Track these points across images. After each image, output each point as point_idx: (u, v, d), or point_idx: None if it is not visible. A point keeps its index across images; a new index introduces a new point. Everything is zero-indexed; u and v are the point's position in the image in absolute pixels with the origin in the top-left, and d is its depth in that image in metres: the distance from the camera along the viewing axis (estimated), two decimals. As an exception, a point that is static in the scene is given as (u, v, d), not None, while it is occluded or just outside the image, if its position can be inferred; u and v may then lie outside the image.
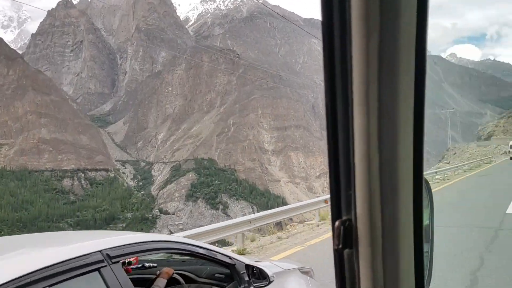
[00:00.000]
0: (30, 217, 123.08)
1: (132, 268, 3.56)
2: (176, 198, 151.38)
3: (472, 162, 51.68)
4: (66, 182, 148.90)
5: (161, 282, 3.37)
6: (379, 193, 0.76)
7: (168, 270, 3.51)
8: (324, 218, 15.88)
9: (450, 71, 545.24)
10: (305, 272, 4.62)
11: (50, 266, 1.94)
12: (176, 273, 3.75)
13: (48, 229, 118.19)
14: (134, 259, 3.49)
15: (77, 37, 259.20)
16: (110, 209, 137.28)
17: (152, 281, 3.44)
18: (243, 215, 12.43)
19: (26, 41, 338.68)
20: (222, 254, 3.53)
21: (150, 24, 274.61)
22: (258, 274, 3.67)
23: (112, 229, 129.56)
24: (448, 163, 66.89)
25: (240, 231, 11.07)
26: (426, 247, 1.25)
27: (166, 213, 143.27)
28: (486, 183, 27.78)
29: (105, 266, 2.32)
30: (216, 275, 3.97)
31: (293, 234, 13.93)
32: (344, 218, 0.80)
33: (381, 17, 0.69)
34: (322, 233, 13.47)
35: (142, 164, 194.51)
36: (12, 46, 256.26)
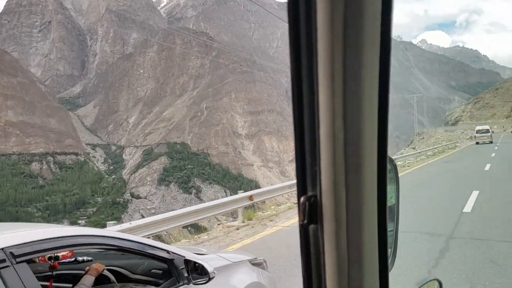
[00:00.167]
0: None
1: (63, 263, 3.31)
2: (148, 183, 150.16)
3: (436, 148, 50.27)
4: (35, 166, 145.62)
5: (87, 280, 3.09)
6: (344, 170, 0.76)
7: (98, 266, 3.23)
8: (250, 218, 12.91)
9: (420, 57, 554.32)
10: (257, 263, 4.40)
11: None
12: (107, 269, 3.45)
13: (16, 214, 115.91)
14: (70, 253, 3.24)
15: (45, 17, 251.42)
16: (80, 194, 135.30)
17: (79, 278, 3.17)
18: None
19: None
20: (159, 248, 3.30)
21: (121, 4, 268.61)
22: (200, 270, 3.37)
23: (82, 214, 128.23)
24: (414, 148, 67.24)
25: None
26: (391, 226, 1.30)
27: (138, 197, 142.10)
28: (446, 170, 26.04)
29: (7, 266, 2.10)
30: (153, 271, 3.70)
31: (200, 243, 10.92)
32: (309, 194, 0.80)
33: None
34: (239, 240, 10.49)
35: (113, 148, 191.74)
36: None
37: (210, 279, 3.35)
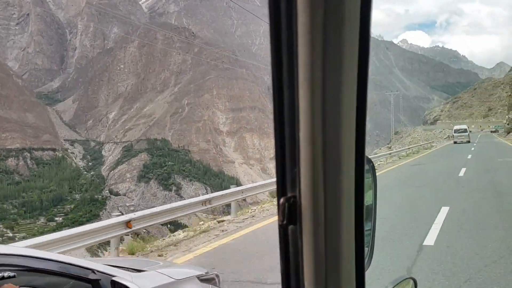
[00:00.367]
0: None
1: None
2: (128, 179, 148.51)
3: (411, 148, 47.47)
4: (11, 162, 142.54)
5: None
6: (323, 172, 0.77)
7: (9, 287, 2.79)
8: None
9: (401, 57, 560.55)
10: (207, 279, 3.85)
11: None
12: None
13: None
14: None
15: (23, 9, 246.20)
16: (57, 190, 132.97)
17: None
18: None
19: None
20: (84, 267, 2.94)
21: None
22: None
23: (59, 211, 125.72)
24: (390, 148, 65.86)
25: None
26: (369, 226, 1.33)
27: (117, 194, 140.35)
28: (415, 175, 22.40)
29: None
30: None
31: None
32: (289, 195, 0.81)
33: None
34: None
35: (92, 144, 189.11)
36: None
37: None
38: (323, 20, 0.70)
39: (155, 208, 10.02)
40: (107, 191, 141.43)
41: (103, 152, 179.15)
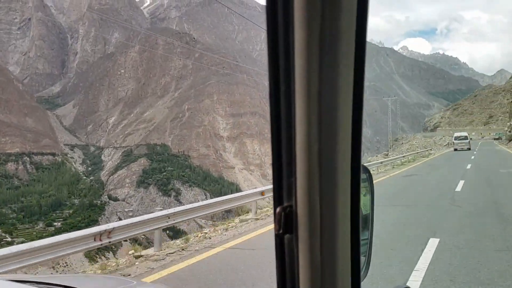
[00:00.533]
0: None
1: None
2: (127, 184, 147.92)
3: (406, 156, 44.57)
4: (10, 166, 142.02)
5: None
6: (318, 181, 0.78)
7: None
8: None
9: (401, 63, 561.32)
10: None
11: None
12: None
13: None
14: None
15: (25, 14, 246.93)
16: (56, 195, 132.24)
17: None
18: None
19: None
20: None
21: (103, 3, 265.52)
22: None
23: (58, 216, 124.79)
24: (387, 155, 63.37)
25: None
26: (366, 235, 1.35)
27: (116, 199, 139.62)
28: (404, 191, 18.93)
29: None
30: None
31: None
32: (285, 204, 0.82)
33: (322, 5, 0.70)
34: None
35: (92, 148, 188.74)
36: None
37: None
38: (319, 31, 0.70)
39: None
40: (106, 196, 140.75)
41: (102, 157, 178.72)
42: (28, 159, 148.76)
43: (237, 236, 10.54)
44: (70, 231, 8.39)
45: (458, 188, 17.46)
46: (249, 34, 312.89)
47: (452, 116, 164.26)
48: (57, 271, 61.93)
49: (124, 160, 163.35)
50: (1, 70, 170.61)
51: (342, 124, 0.78)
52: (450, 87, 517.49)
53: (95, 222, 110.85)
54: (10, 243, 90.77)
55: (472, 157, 40.82)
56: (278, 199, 0.83)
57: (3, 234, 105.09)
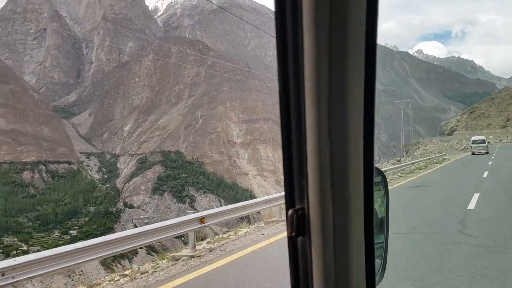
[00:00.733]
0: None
1: None
2: (142, 192, 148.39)
3: (416, 162, 40.96)
4: (26, 175, 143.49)
5: None
6: (330, 183, 0.78)
7: None
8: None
9: (416, 67, 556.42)
10: None
11: None
12: None
13: (6, 224, 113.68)
14: None
15: (40, 24, 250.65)
16: (72, 203, 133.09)
17: None
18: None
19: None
20: None
21: (117, 13, 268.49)
22: None
23: (74, 224, 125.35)
24: (399, 160, 60.28)
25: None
26: (381, 238, 1.33)
27: (131, 206, 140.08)
28: (402, 212, 13.53)
29: None
30: None
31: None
32: (297, 206, 0.82)
33: (330, 8, 0.70)
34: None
35: (108, 156, 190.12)
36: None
37: None
38: (328, 35, 0.71)
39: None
40: (122, 204, 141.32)
41: (118, 165, 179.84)
42: (44, 167, 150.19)
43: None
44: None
45: (471, 206, 13.88)
46: (261, 40, 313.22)
47: (469, 119, 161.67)
48: (72, 279, 62.09)
49: (139, 167, 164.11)
50: (17, 80, 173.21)
51: (353, 127, 0.78)
52: (466, 91, 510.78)
53: (110, 230, 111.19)
54: (26, 252, 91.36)
55: (490, 163, 37.28)
56: (289, 202, 0.84)
57: (19, 243, 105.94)
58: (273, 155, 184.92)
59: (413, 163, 39.02)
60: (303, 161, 0.79)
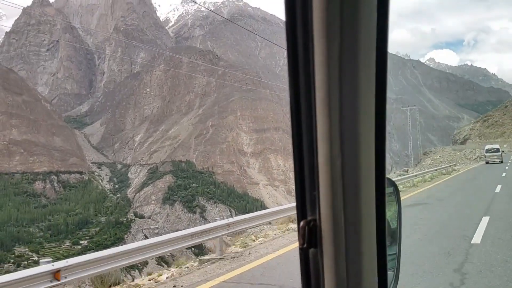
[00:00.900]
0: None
1: None
2: (153, 201, 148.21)
3: (420, 174, 36.70)
4: (38, 185, 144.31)
5: None
6: (342, 194, 0.78)
7: None
8: None
9: (428, 76, 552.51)
10: None
11: None
12: None
13: (18, 234, 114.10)
14: None
15: (53, 36, 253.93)
16: (83, 213, 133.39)
17: None
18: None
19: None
20: None
21: (129, 24, 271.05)
22: None
23: (84, 234, 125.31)
24: (407, 171, 57.46)
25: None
26: (394, 250, 1.32)
27: (142, 216, 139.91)
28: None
29: None
30: None
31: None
32: (309, 218, 0.82)
33: (341, 20, 0.71)
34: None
35: (119, 166, 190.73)
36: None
37: None
38: (339, 45, 0.71)
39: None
40: (132, 214, 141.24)
41: (129, 175, 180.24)
42: (55, 177, 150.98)
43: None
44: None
45: (478, 237, 10.14)
46: (272, 50, 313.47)
47: (482, 128, 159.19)
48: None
49: (150, 177, 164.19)
50: (30, 91, 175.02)
51: (365, 137, 0.78)
52: (479, 99, 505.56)
53: (121, 240, 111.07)
54: (36, 262, 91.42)
55: (504, 174, 32.71)
56: (301, 213, 0.84)
57: (30, 253, 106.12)
58: (284, 165, 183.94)
59: (416, 175, 35.17)
60: (315, 172, 0.79)
